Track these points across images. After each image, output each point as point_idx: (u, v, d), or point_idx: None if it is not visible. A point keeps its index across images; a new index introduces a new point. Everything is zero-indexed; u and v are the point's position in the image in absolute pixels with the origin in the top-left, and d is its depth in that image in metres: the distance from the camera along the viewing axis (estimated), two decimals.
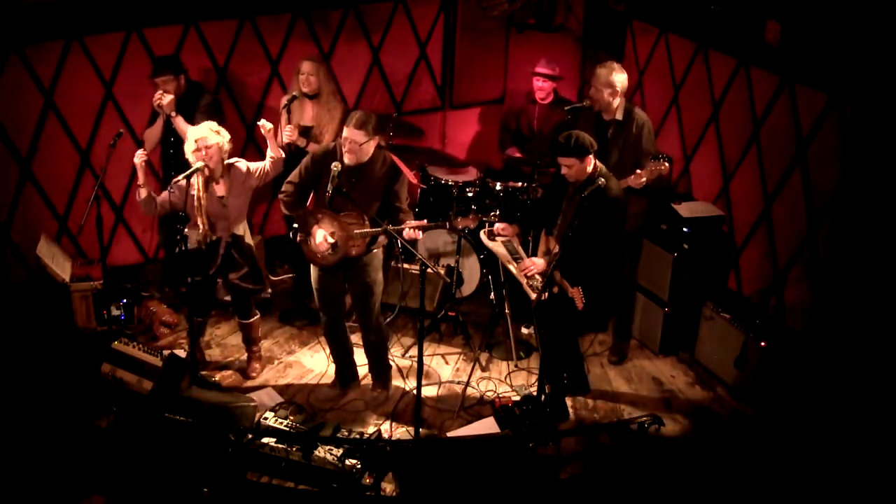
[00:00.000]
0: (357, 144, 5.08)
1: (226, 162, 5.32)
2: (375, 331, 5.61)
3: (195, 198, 5.23)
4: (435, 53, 7.86)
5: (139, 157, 5.23)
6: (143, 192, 5.26)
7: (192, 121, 5.88)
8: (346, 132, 5.10)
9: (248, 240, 5.59)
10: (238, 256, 5.49)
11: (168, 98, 5.90)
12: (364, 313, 5.54)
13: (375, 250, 5.38)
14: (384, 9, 7.40)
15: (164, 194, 5.33)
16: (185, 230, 5.29)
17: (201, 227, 5.27)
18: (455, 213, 5.32)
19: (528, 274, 5.21)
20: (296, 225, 5.38)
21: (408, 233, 5.04)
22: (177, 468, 4.68)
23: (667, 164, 5.39)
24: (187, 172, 5.18)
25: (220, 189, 5.33)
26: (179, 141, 5.97)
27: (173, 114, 5.91)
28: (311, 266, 5.45)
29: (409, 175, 5.29)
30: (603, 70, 5.62)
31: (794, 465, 5.00)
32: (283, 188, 5.36)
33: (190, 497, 4.61)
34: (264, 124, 5.36)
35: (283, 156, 5.52)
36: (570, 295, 4.94)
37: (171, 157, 6.16)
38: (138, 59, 6.36)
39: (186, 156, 5.24)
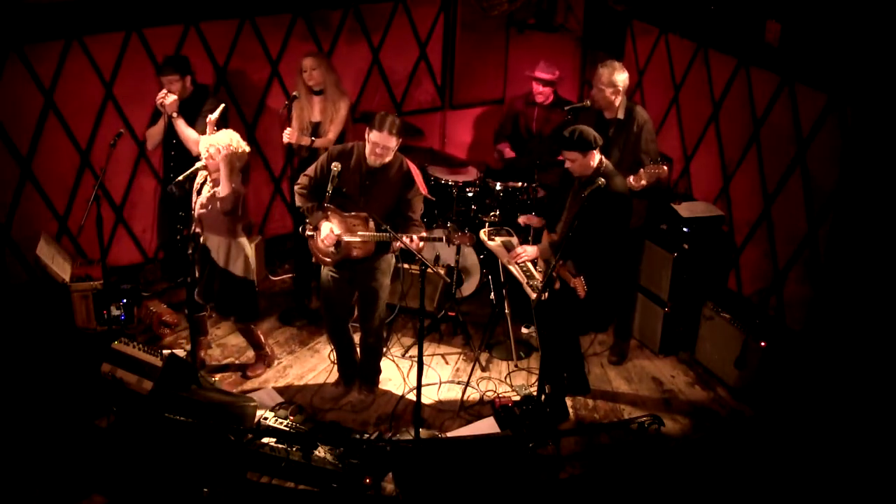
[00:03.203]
0: (389, 150, 5.08)
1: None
2: (375, 334, 5.62)
3: (195, 192, 5.33)
4: (435, 53, 7.86)
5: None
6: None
7: (193, 125, 5.86)
8: (376, 136, 5.02)
9: (234, 267, 5.46)
10: (198, 263, 5.48)
11: (171, 98, 5.83)
12: (367, 316, 5.54)
13: (386, 255, 5.37)
14: (384, 9, 7.40)
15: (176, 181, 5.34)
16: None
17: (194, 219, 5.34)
18: (453, 227, 5.31)
19: (520, 261, 5.22)
20: (308, 221, 5.36)
21: (408, 242, 5.03)
22: (177, 468, 4.69)
23: (665, 168, 5.39)
24: (187, 172, 5.28)
25: (208, 191, 5.39)
26: (181, 142, 5.96)
27: (175, 115, 5.84)
28: (321, 266, 5.46)
29: (422, 186, 5.28)
30: (605, 69, 5.63)
31: (794, 465, 5.00)
32: (298, 180, 5.37)
33: (190, 497, 4.62)
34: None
35: (229, 194, 5.24)
36: (573, 285, 4.92)
37: (171, 158, 6.16)
38: (138, 59, 6.36)
39: (199, 151, 5.30)
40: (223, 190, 5.21)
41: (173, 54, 6.19)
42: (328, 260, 5.29)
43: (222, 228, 5.39)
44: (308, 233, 5.34)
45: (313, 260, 5.43)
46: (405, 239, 5.01)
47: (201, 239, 5.45)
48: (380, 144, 5.05)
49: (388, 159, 5.14)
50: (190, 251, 5.44)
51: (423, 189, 5.28)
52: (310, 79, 6.07)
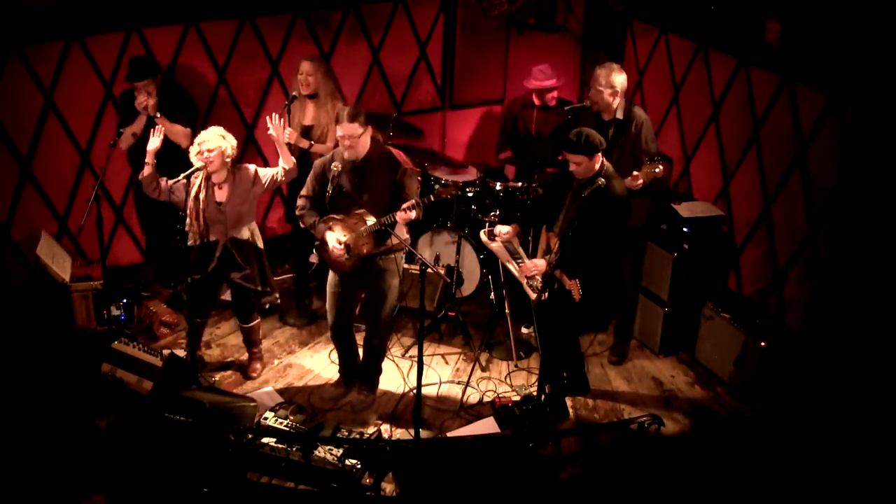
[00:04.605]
0: (355, 138, 5.09)
1: (231, 165, 5.33)
2: (380, 335, 5.63)
3: (191, 198, 5.25)
4: (435, 53, 7.86)
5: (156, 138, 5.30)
6: (148, 170, 5.29)
7: (174, 119, 5.86)
8: (340, 130, 5.10)
9: (257, 242, 5.56)
10: (239, 259, 5.48)
11: (153, 101, 5.80)
12: (374, 317, 5.54)
13: (393, 255, 5.38)
14: (384, 9, 7.40)
15: (173, 182, 5.30)
16: (187, 229, 5.31)
17: (193, 227, 5.28)
18: (435, 188, 5.30)
19: (530, 275, 5.21)
20: (315, 240, 5.41)
21: (401, 215, 5.04)
22: (177, 468, 4.68)
23: (660, 167, 5.38)
24: (187, 172, 5.22)
25: (220, 194, 5.34)
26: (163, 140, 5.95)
27: (158, 115, 5.80)
28: (329, 270, 5.48)
29: (407, 162, 5.29)
30: (602, 71, 5.63)
31: (794, 465, 5.00)
32: (297, 203, 5.44)
33: (190, 497, 4.62)
34: (275, 132, 5.33)
35: (295, 165, 5.50)
36: (568, 287, 4.92)
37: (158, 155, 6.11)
38: None
39: (190, 157, 5.25)
40: (289, 163, 5.43)
41: (138, 56, 6.07)
42: (347, 266, 5.30)
43: (247, 215, 5.46)
44: (321, 252, 5.38)
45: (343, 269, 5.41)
46: (399, 215, 5.03)
47: (213, 239, 5.41)
48: (346, 136, 5.08)
49: (362, 149, 5.16)
50: (213, 264, 5.45)
51: (407, 163, 5.29)
52: (304, 83, 6.03)
